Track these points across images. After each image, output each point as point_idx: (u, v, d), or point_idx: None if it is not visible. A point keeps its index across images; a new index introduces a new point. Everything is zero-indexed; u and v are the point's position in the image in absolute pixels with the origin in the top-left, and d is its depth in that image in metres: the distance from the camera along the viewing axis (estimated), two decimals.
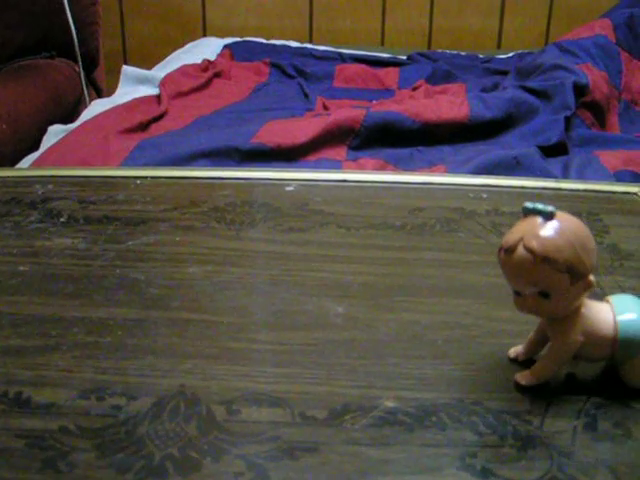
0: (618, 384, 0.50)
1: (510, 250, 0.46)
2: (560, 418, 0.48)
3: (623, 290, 0.63)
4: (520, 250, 0.46)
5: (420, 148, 1.25)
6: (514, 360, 0.53)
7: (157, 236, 0.73)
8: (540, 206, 0.46)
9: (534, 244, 0.45)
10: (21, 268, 0.66)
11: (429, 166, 1.17)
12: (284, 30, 2.28)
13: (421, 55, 1.99)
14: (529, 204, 0.47)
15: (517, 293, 0.48)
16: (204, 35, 2.31)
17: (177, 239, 0.72)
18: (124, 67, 1.71)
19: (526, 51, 2.03)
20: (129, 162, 1.11)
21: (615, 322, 0.49)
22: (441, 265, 0.67)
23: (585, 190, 0.88)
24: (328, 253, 0.69)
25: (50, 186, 0.86)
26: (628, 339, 0.49)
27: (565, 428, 0.47)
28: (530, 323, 0.52)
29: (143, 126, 1.33)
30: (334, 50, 2.02)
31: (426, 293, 0.62)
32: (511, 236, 0.47)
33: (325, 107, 1.51)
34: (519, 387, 0.50)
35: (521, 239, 0.46)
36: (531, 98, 1.40)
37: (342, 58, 1.93)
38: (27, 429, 0.46)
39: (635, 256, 0.70)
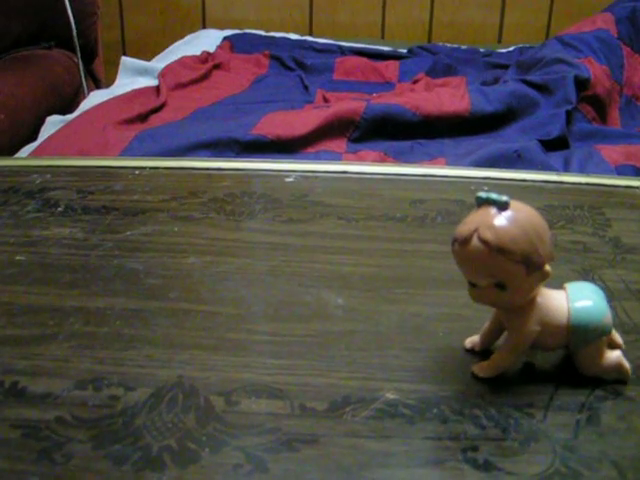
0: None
1: (464, 242, 0.45)
2: (563, 412, 0.47)
3: (626, 284, 0.63)
4: (475, 241, 0.45)
5: (420, 141, 1.25)
6: (470, 350, 0.53)
7: (156, 226, 0.72)
8: (494, 196, 0.46)
9: (489, 235, 0.44)
10: (18, 258, 0.66)
11: (429, 159, 1.17)
12: (284, 22, 2.27)
13: (421, 48, 1.98)
14: (482, 194, 0.46)
15: (472, 284, 0.48)
16: (203, 27, 2.30)
17: (176, 229, 0.72)
18: (123, 58, 1.70)
19: (527, 45, 2.02)
20: (128, 153, 1.10)
21: (568, 309, 0.48)
22: (442, 257, 0.67)
23: (587, 184, 0.87)
24: (328, 244, 0.68)
25: (48, 176, 0.85)
26: (581, 326, 0.48)
27: (568, 422, 0.46)
28: None
29: (142, 117, 1.33)
30: (334, 43, 2.01)
31: (427, 285, 0.62)
32: (465, 227, 0.46)
33: (325, 99, 1.50)
34: (478, 379, 0.50)
35: (475, 230, 0.45)
36: (532, 92, 1.39)
37: (342, 51, 1.93)
38: (23, 419, 0.46)
39: (637, 250, 0.69)
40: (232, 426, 0.45)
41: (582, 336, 0.48)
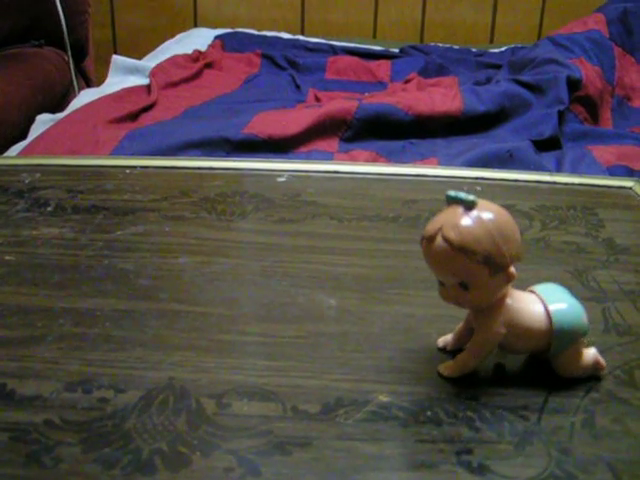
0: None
1: (430, 240, 0.45)
2: (558, 414, 0.47)
3: (619, 285, 0.63)
4: (439, 240, 0.45)
5: (412, 140, 1.24)
6: (442, 349, 0.53)
7: (146, 226, 0.72)
8: (462, 195, 0.45)
9: (452, 234, 0.44)
10: (7, 258, 0.65)
11: (421, 159, 1.16)
12: (276, 22, 2.26)
13: (414, 48, 1.98)
14: (452, 192, 0.46)
15: (441, 283, 0.47)
16: (195, 26, 2.29)
17: (166, 229, 0.71)
18: (114, 57, 1.69)
19: (519, 46, 2.02)
20: (118, 152, 1.09)
21: (548, 313, 0.48)
22: None
23: (580, 184, 0.87)
24: (320, 245, 0.68)
25: (37, 175, 0.84)
26: (563, 330, 0.48)
27: (563, 424, 0.46)
28: None
29: (132, 116, 1.32)
30: (326, 42, 2.00)
31: (420, 286, 0.61)
32: (431, 225, 0.46)
33: (317, 99, 1.50)
34: (445, 378, 0.50)
35: (440, 229, 0.45)
36: (524, 92, 1.39)
37: (334, 50, 1.92)
38: (11, 422, 0.45)
39: (631, 250, 0.69)
40: (223, 429, 0.44)
41: (564, 339, 0.48)
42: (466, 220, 0.45)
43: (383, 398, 0.47)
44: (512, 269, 0.46)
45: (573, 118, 1.41)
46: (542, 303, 0.49)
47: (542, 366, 0.51)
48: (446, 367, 0.50)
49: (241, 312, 0.57)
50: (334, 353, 0.52)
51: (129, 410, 0.46)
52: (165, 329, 0.55)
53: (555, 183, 0.87)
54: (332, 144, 1.19)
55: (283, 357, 0.52)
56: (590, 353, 0.50)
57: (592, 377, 0.50)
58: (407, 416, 0.46)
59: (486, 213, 0.45)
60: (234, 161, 0.92)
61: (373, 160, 1.14)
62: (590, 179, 0.89)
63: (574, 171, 1.09)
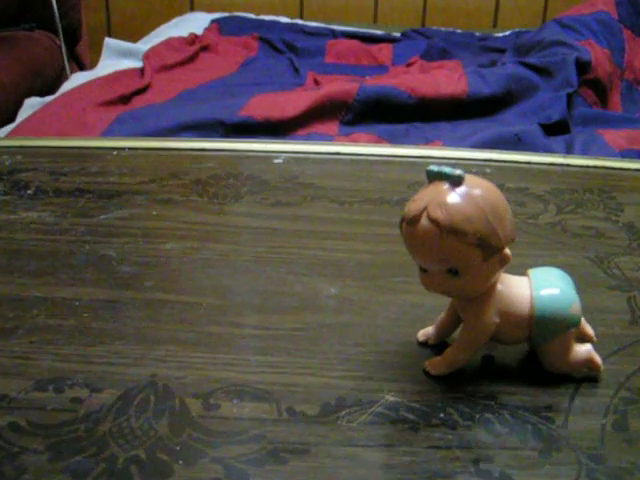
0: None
1: (412, 221, 0.40)
2: (586, 415, 0.42)
3: None
4: (424, 221, 0.39)
5: (416, 124, 1.19)
6: (424, 344, 0.48)
7: (132, 210, 0.67)
8: (447, 169, 0.40)
9: (439, 214, 0.39)
10: None
11: (425, 142, 1.11)
12: (274, 6, 2.20)
13: (416, 32, 1.93)
14: (434, 167, 0.40)
15: (423, 270, 0.42)
16: (191, 10, 2.23)
17: (154, 213, 0.66)
18: (106, 39, 1.64)
19: (523, 30, 1.96)
20: (108, 135, 1.05)
21: (532, 299, 0.43)
22: None
23: (595, 167, 0.82)
24: (319, 229, 0.63)
25: (19, 157, 0.79)
26: (545, 317, 0.43)
27: (592, 427, 0.41)
28: None
29: (124, 99, 1.27)
30: (325, 26, 1.95)
31: None
32: (414, 205, 0.40)
33: (316, 82, 1.45)
34: (433, 377, 0.44)
35: (425, 208, 0.40)
36: (531, 74, 1.34)
37: (334, 34, 1.87)
38: None
39: None
40: (210, 433, 0.39)
41: (546, 329, 0.43)
42: (454, 197, 0.39)
43: (390, 398, 0.42)
44: (507, 251, 0.41)
45: (582, 102, 1.36)
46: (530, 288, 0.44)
47: None
48: (433, 364, 0.45)
49: (233, 302, 0.52)
50: (335, 347, 0.47)
51: (104, 412, 0.41)
52: (148, 321, 0.50)
53: (569, 166, 0.82)
54: (332, 127, 1.14)
55: (278, 352, 0.46)
56: (582, 349, 0.45)
57: (585, 378, 0.45)
58: (418, 418, 0.41)
59: (476, 189, 0.40)
60: (228, 142, 0.87)
61: (375, 144, 1.09)
62: (605, 161, 0.84)
63: (586, 155, 1.04)
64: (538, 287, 0.44)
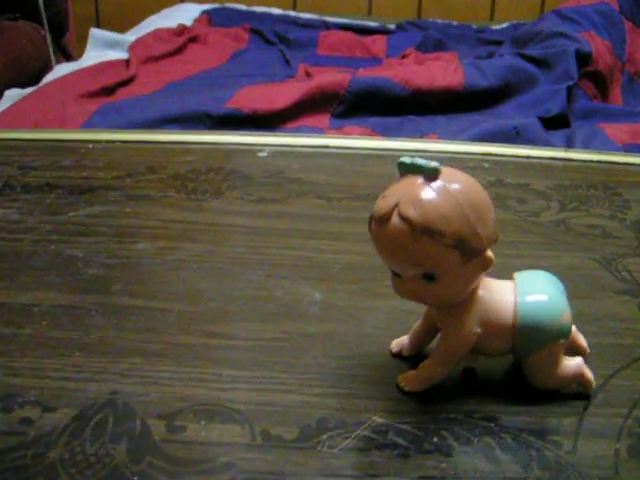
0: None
1: (382, 220, 0.35)
2: (597, 439, 0.37)
3: None
4: (394, 220, 0.35)
5: (410, 117, 1.15)
6: (397, 355, 0.43)
7: (104, 207, 0.62)
8: (420, 161, 0.35)
9: (411, 212, 0.34)
10: None
11: (420, 136, 1.06)
12: None
13: (411, 24, 1.88)
14: (406, 159, 0.36)
15: (396, 274, 0.38)
16: (181, 1, 2.18)
17: (127, 210, 0.61)
18: (92, 30, 1.59)
19: (521, 22, 1.92)
20: (88, 127, 0.99)
21: (515, 306, 0.39)
22: None
23: (599, 161, 0.77)
24: (304, 227, 0.59)
25: None
26: (529, 327, 0.38)
27: (605, 452, 0.36)
28: None
29: (107, 90, 1.22)
30: (319, 18, 1.91)
31: None
32: (383, 202, 0.36)
33: (308, 74, 1.40)
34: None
35: (396, 206, 0.35)
36: (530, 66, 1.30)
37: (327, 26, 1.82)
38: None
39: None
40: (173, 461, 0.35)
41: (531, 339, 0.39)
42: (429, 193, 0.35)
43: (378, 419, 0.38)
44: (489, 252, 0.36)
45: (582, 95, 1.32)
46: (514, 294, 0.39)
47: None
48: (407, 379, 0.40)
49: (206, 309, 0.48)
50: (317, 360, 0.42)
51: (56, 434, 0.36)
52: (113, 329, 0.45)
53: (571, 160, 0.78)
54: (322, 120, 1.10)
55: (254, 365, 0.42)
56: (572, 363, 0.40)
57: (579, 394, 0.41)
58: (408, 444, 0.36)
59: (454, 184, 0.35)
60: (209, 134, 0.83)
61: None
62: (609, 156, 0.80)
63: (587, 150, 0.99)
64: (523, 293, 0.39)
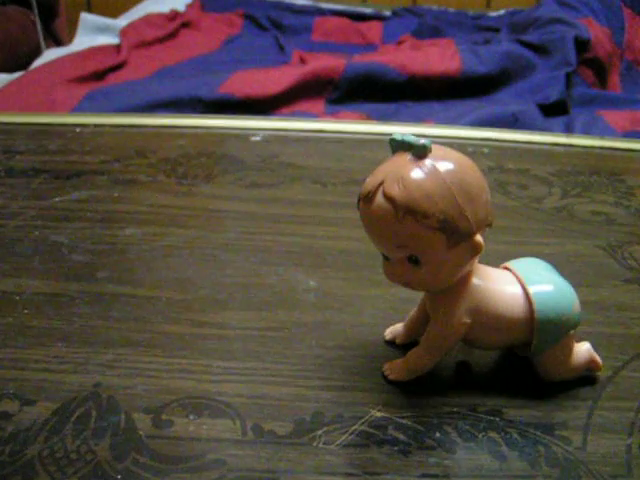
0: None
1: (368, 199, 0.33)
2: (607, 434, 0.35)
3: None
4: (379, 198, 0.33)
5: (407, 103, 1.13)
6: (391, 343, 0.41)
7: (91, 191, 0.60)
8: (410, 138, 0.33)
9: (395, 190, 0.32)
10: None
11: (416, 122, 1.04)
12: None
13: (406, 10, 1.85)
14: (397, 135, 0.34)
15: (386, 257, 0.36)
16: None
17: (115, 195, 0.59)
18: (82, 14, 1.56)
19: (518, 9, 1.90)
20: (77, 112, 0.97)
21: (528, 297, 0.36)
22: None
23: (601, 147, 0.75)
24: (299, 213, 0.56)
25: None
26: (549, 320, 0.36)
27: (616, 448, 0.34)
28: None
29: (97, 75, 1.19)
30: (313, 4, 1.88)
31: None
32: (371, 179, 0.34)
33: (302, 60, 1.37)
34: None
35: (381, 184, 0.33)
36: (528, 53, 1.28)
37: (321, 12, 1.80)
38: None
39: None
40: (159, 458, 0.33)
41: (550, 333, 0.36)
42: (415, 172, 0.33)
43: (377, 413, 0.36)
44: (479, 237, 0.34)
45: (580, 82, 1.30)
46: (520, 284, 0.37)
47: None
48: (392, 367, 0.38)
49: (196, 297, 0.45)
50: (313, 350, 0.40)
51: (35, 430, 0.34)
52: (98, 318, 0.43)
53: (572, 146, 0.76)
54: (317, 105, 1.07)
55: (245, 356, 0.40)
56: (583, 349, 0.38)
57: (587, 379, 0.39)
58: (409, 439, 0.34)
59: (443, 162, 0.33)
60: (201, 118, 0.80)
61: None
62: (612, 142, 0.78)
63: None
64: (532, 283, 0.37)
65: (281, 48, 1.48)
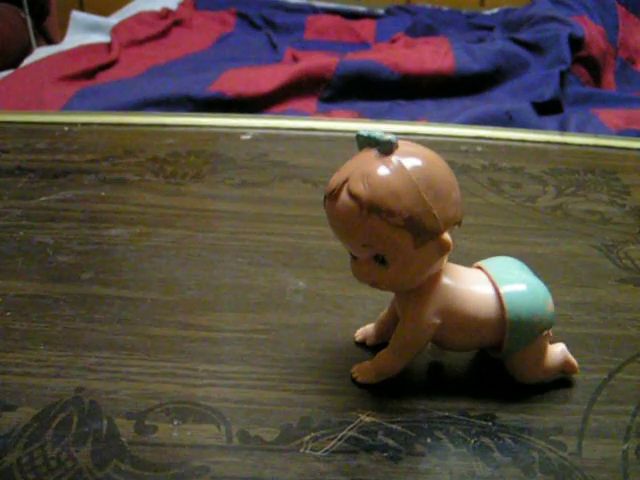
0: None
1: (332, 196, 0.33)
2: (603, 439, 0.34)
3: None
4: (344, 196, 0.32)
5: (400, 101, 1.12)
6: (361, 344, 0.41)
7: (78, 191, 0.59)
8: (376, 134, 0.32)
9: (359, 187, 0.31)
10: None
11: (410, 121, 1.03)
12: None
13: (400, 9, 1.85)
14: (363, 131, 0.33)
15: (353, 256, 0.35)
16: None
17: (102, 194, 0.58)
18: (73, 13, 1.55)
19: (512, 8, 1.89)
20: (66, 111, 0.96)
21: (499, 296, 0.35)
22: None
23: (596, 146, 0.74)
24: (288, 212, 0.56)
25: None
26: (521, 321, 0.35)
27: (612, 454, 0.33)
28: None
29: (88, 74, 1.18)
30: (306, 2, 1.87)
31: None
32: (337, 176, 0.33)
33: (294, 59, 1.36)
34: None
35: (346, 181, 0.32)
36: (522, 51, 1.27)
37: (314, 10, 1.79)
38: None
39: None
40: (142, 465, 0.32)
41: (523, 333, 0.35)
42: (381, 169, 0.32)
43: (366, 418, 0.35)
44: (447, 236, 0.33)
45: (574, 80, 1.29)
46: (491, 284, 0.36)
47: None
48: (361, 370, 0.38)
49: (182, 298, 0.44)
50: (300, 354, 0.39)
51: (15, 436, 0.33)
52: (81, 320, 0.42)
53: (566, 144, 0.75)
54: (309, 104, 1.06)
55: (232, 359, 0.39)
56: (557, 350, 0.38)
57: (562, 381, 0.38)
58: (399, 445, 0.33)
59: (410, 159, 0.32)
60: (191, 116, 0.79)
61: None
62: (607, 140, 0.77)
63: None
64: (503, 282, 0.36)
65: (274, 46, 1.47)
